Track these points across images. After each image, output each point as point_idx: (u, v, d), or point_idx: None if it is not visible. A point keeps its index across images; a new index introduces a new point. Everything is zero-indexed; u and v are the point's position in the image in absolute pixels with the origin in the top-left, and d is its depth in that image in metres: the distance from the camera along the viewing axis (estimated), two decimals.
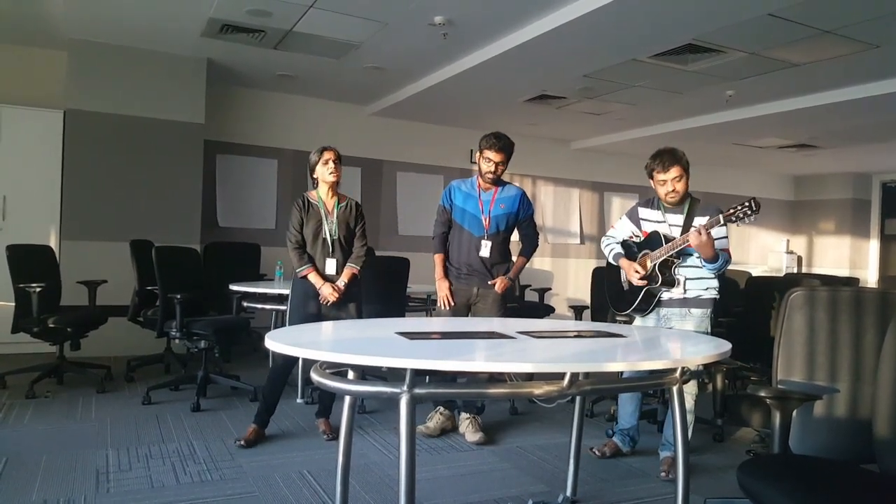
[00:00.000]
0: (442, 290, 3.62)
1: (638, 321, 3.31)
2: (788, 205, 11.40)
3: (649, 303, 3.19)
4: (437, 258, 3.69)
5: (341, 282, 3.52)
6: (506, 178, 3.72)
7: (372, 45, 5.39)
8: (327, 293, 3.47)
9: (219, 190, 6.90)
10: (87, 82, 5.65)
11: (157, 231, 5.55)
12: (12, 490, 2.71)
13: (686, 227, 3.10)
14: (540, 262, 8.90)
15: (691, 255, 3.10)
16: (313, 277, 3.48)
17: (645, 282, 3.14)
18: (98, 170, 5.66)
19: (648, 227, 3.25)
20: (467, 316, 3.63)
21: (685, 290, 3.13)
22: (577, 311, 4.70)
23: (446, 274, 3.66)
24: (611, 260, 3.36)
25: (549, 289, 7.19)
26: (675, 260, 3.11)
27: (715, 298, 3.18)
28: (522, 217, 3.70)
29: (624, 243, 3.34)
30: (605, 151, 9.18)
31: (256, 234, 6.83)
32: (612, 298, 3.42)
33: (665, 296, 3.17)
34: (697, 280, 3.14)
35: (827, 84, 5.80)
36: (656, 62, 5.30)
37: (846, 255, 10.67)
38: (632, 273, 3.16)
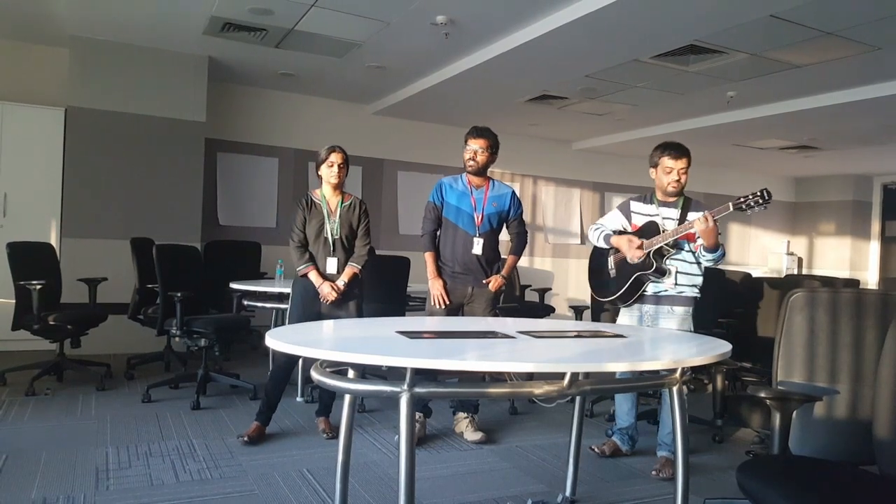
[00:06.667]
0: (436, 288, 3.57)
1: (620, 317, 3.35)
2: (789, 206, 11.40)
3: (635, 292, 3.22)
4: (429, 256, 3.63)
5: (341, 281, 3.53)
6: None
7: (374, 45, 5.39)
8: (326, 292, 3.48)
9: (219, 188, 6.90)
10: (89, 79, 5.65)
11: (157, 229, 5.55)
12: (12, 487, 2.71)
13: (682, 221, 3.17)
14: (540, 262, 8.90)
15: (683, 248, 3.18)
16: (313, 276, 3.50)
17: (642, 251, 3.15)
18: (99, 167, 5.67)
19: (640, 220, 3.31)
20: (460, 315, 3.61)
21: (676, 283, 3.19)
22: (577, 311, 4.70)
23: (440, 272, 3.62)
24: (601, 242, 3.34)
25: (550, 289, 7.19)
26: (671, 249, 3.17)
27: (696, 297, 3.24)
28: (513, 216, 3.71)
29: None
30: (607, 152, 9.17)
31: (257, 233, 6.82)
32: (596, 286, 3.43)
33: (649, 290, 3.22)
34: (687, 275, 3.21)
35: (828, 86, 5.80)
36: (658, 63, 5.30)
37: (846, 257, 10.68)
38: (633, 249, 3.16)
